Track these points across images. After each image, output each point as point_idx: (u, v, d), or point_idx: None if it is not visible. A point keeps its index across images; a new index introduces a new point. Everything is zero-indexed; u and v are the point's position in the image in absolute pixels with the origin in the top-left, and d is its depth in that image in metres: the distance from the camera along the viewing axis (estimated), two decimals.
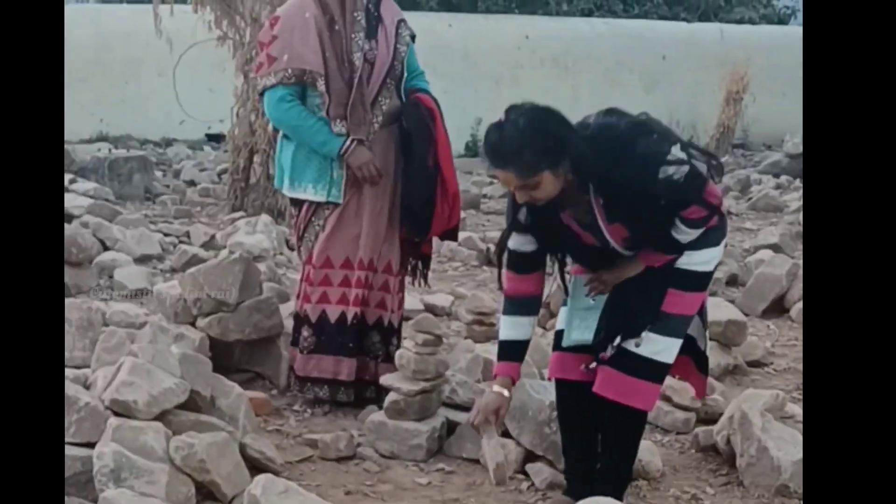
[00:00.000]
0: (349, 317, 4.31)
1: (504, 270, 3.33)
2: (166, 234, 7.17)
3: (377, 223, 4.30)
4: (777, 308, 6.13)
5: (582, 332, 3.28)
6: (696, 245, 3.14)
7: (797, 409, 4.17)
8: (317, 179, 4.24)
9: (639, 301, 3.17)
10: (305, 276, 4.40)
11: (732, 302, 5.77)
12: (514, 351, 3.34)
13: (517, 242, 3.25)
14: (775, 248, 7.45)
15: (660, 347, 3.16)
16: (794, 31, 19.70)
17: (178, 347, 4.01)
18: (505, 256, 3.32)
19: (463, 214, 8.31)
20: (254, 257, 5.32)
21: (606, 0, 18.82)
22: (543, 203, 3.08)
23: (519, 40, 16.07)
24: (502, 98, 14.20)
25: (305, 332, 4.36)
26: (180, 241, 7.06)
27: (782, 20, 21.58)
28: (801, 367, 5.18)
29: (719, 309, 5.03)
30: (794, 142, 12.93)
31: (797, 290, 6.12)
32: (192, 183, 10.12)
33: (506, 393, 3.31)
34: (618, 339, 3.17)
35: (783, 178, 12.08)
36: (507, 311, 3.33)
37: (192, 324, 4.54)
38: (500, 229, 8.44)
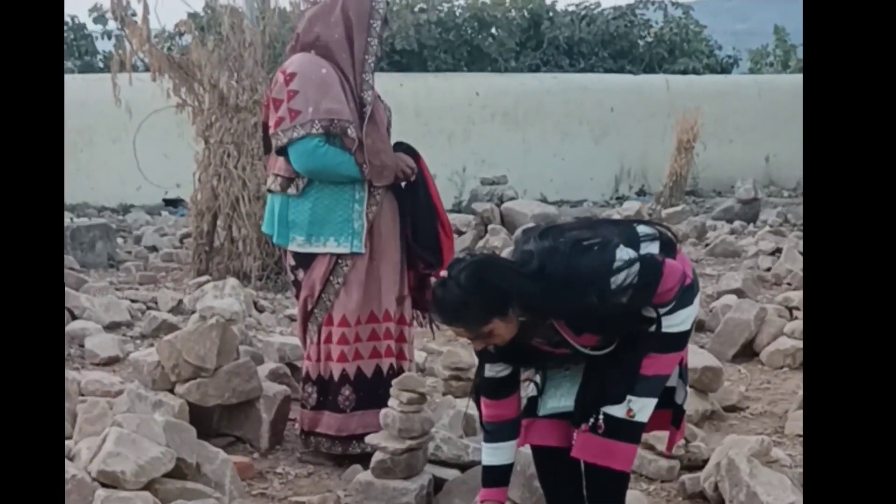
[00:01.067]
0: (384, 369, 4.40)
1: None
2: (133, 301, 7.11)
3: (397, 274, 4.40)
4: (747, 352, 6.21)
5: (558, 399, 3.26)
6: (670, 310, 3.14)
7: (781, 454, 4.22)
8: (339, 232, 4.30)
9: (617, 369, 3.15)
10: (326, 336, 4.40)
11: (703, 348, 5.83)
12: (498, 477, 3.36)
13: (491, 371, 3.28)
14: (738, 292, 7.54)
15: (637, 408, 3.16)
16: (737, 80, 20.12)
17: (161, 415, 3.99)
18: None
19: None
20: (226, 320, 5.30)
21: (553, 55, 19.07)
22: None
23: (470, 97, 16.24)
24: (455, 153, 14.38)
25: (346, 392, 4.39)
26: (148, 308, 7.00)
27: (725, 69, 21.99)
28: (776, 409, 5.25)
29: (694, 356, 5.07)
30: (745, 187, 13.12)
31: (766, 334, 6.21)
32: (153, 248, 10.07)
33: None
34: (601, 411, 3.15)
35: (737, 224, 12.25)
36: (487, 439, 3.34)
37: (171, 390, 4.51)
38: None
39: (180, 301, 6.94)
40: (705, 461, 4.19)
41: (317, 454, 4.50)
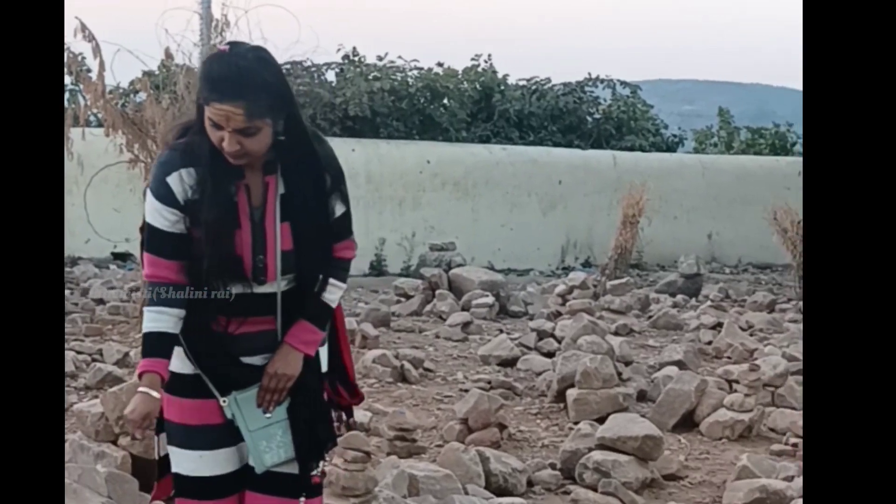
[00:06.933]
0: None
1: (145, 253, 3.00)
2: (79, 352, 7.07)
3: None
4: (687, 423, 6.31)
5: (277, 452, 3.02)
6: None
7: None
8: None
9: (318, 418, 3.09)
10: None
11: (644, 416, 5.91)
12: (160, 346, 2.98)
13: (165, 220, 2.92)
14: (680, 364, 7.66)
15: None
16: (682, 159, 20.52)
17: (103, 466, 3.98)
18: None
19: (375, 332, 8.41)
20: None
21: (503, 128, 19.36)
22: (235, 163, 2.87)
23: (421, 165, 16.41)
24: (405, 219, 14.41)
25: None
26: (93, 360, 6.97)
27: (671, 147, 22.44)
28: (714, 479, 5.34)
29: (635, 424, 5.18)
30: (689, 262, 13.35)
31: (706, 405, 6.32)
32: (100, 301, 10.01)
33: (154, 394, 2.99)
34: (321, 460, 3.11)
35: (679, 297, 12.46)
36: (151, 302, 2.97)
37: (114, 442, 4.49)
38: (411, 346, 8.43)
39: (126, 354, 6.92)
40: None
41: None
